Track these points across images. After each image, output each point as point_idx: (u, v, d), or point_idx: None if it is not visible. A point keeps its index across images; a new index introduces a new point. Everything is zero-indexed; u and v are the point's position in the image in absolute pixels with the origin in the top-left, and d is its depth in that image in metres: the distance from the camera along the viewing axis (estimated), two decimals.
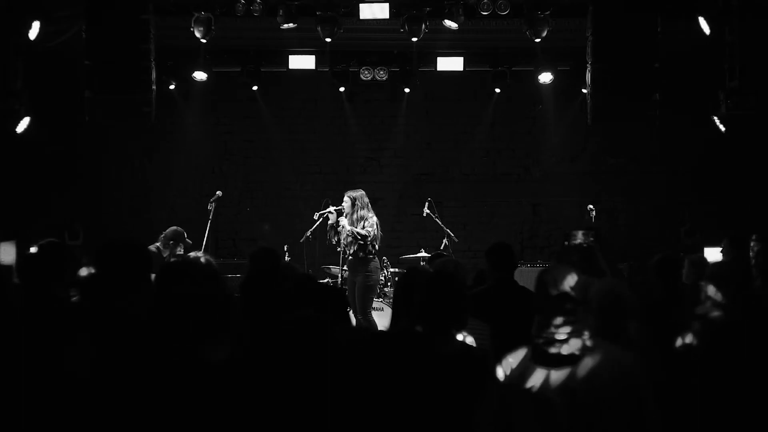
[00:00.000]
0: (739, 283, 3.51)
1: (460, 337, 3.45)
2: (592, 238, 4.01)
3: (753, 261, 6.16)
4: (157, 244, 8.04)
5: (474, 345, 3.61)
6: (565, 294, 2.67)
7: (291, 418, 2.86)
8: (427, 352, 3.18)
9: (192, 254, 4.27)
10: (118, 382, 2.98)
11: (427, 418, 3.06)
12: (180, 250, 7.89)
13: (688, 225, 10.28)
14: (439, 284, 3.40)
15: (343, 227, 8.06)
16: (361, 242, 8.00)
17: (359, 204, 8.14)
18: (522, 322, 3.39)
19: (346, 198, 8.19)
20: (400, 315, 3.96)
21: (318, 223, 8.97)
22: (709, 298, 3.44)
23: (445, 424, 3.07)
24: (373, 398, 3.02)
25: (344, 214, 8.13)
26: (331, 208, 8.19)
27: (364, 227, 8.01)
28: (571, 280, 2.70)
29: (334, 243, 8.25)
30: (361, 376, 3.06)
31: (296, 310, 3.34)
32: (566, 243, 4.07)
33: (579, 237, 4.04)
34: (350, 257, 8.16)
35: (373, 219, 8.11)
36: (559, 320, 2.65)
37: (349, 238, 8.06)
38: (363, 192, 8.26)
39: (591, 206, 9.01)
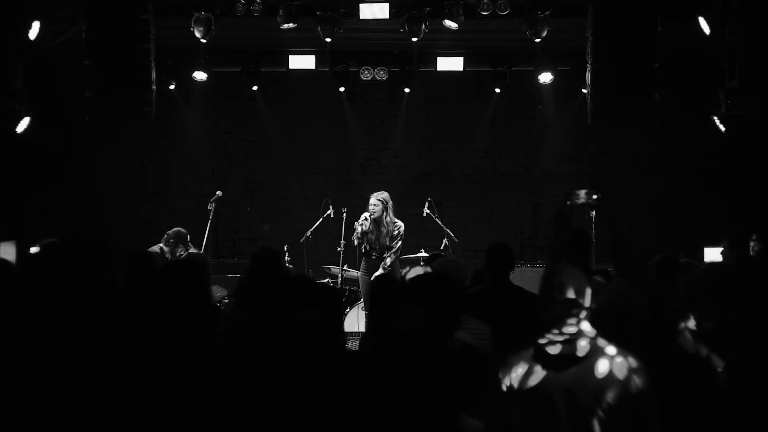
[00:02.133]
0: (739, 287, 3.49)
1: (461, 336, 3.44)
2: (595, 197, 3.88)
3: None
4: (161, 244, 8.05)
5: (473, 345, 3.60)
6: (570, 297, 2.66)
7: (292, 417, 2.85)
8: (428, 351, 3.17)
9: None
10: (92, 382, 2.98)
11: (428, 417, 3.05)
12: (181, 252, 7.90)
13: (688, 225, 10.28)
14: (437, 284, 3.39)
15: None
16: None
17: (390, 206, 8.33)
18: (520, 323, 3.39)
19: (376, 201, 8.26)
20: (375, 318, 3.98)
21: (318, 223, 8.99)
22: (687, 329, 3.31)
23: (445, 423, 3.06)
24: (373, 398, 3.01)
25: (369, 216, 8.20)
26: (366, 215, 8.24)
27: (396, 238, 8.27)
28: (577, 284, 2.70)
29: (355, 245, 8.34)
30: (362, 376, 3.06)
31: (296, 309, 3.34)
32: (568, 203, 3.96)
33: (582, 197, 3.91)
34: (375, 257, 8.30)
35: (401, 228, 8.34)
36: (562, 322, 2.65)
37: (384, 245, 8.24)
38: (388, 194, 8.42)
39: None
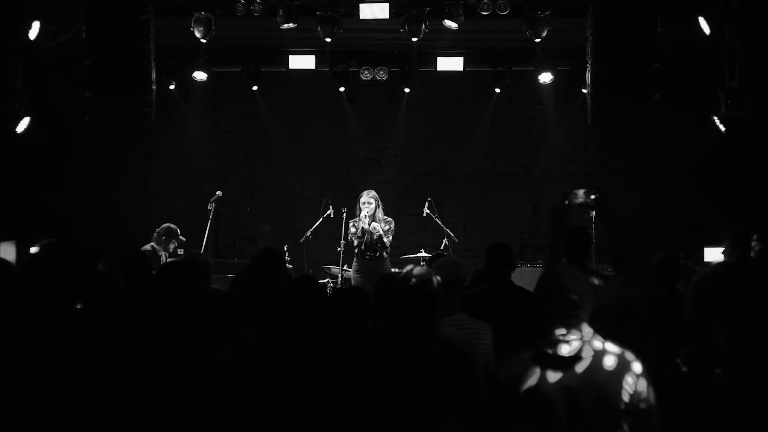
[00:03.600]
0: (741, 288, 3.48)
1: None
2: (593, 196, 3.81)
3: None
4: (152, 243, 8.05)
5: (455, 340, 3.59)
6: (569, 297, 2.66)
7: (291, 417, 2.85)
8: (408, 352, 3.15)
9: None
10: (125, 383, 2.98)
11: (415, 416, 3.04)
12: (173, 246, 7.92)
13: (688, 225, 10.27)
14: (408, 289, 3.38)
15: (374, 228, 8.17)
16: (379, 246, 8.25)
17: (380, 204, 8.35)
18: (520, 323, 3.39)
19: (369, 199, 8.26)
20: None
21: (318, 223, 8.99)
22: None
23: (433, 419, 3.05)
24: (366, 398, 3.01)
25: (368, 214, 8.20)
26: (365, 212, 8.23)
27: (387, 233, 8.24)
28: (576, 284, 2.69)
29: (355, 245, 8.31)
30: (354, 376, 3.05)
31: (297, 310, 3.33)
32: (566, 202, 3.90)
33: (580, 196, 3.84)
34: (368, 257, 8.25)
35: (392, 223, 8.36)
36: (561, 322, 2.65)
37: (376, 241, 8.20)
38: (375, 192, 8.45)
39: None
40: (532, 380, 2.62)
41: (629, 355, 2.65)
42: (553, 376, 2.61)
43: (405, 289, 3.32)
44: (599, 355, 2.63)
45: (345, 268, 8.71)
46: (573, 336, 2.64)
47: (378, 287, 4.36)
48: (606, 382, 2.58)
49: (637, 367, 2.64)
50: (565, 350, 2.62)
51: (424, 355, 3.13)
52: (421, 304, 3.25)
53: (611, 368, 2.61)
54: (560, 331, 2.65)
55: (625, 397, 2.58)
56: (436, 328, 3.30)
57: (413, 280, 3.33)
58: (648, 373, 2.67)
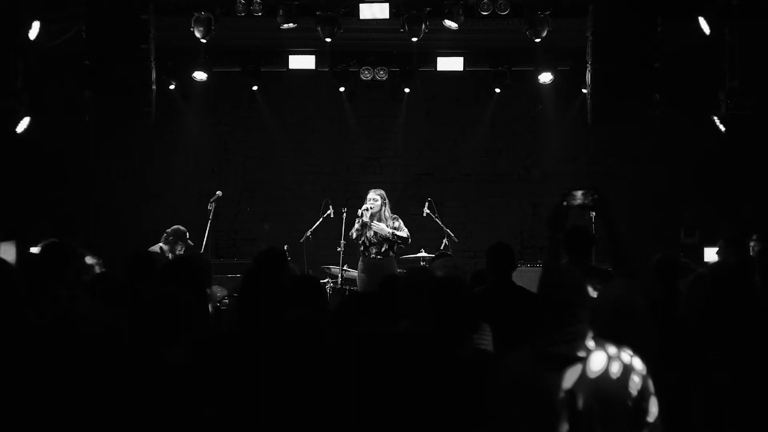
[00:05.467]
0: (739, 286, 3.49)
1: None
2: (592, 197, 3.78)
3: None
4: (161, 244, 8.05)
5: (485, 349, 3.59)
6: (569, 297, 2.66)
7: (287, 416, 2.85)
8: (443, 356, 3.14)
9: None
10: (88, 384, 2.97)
11: (438, 420, 3.03)
12: (180, 249, 7.92)
13: (688, 225, 10.27)
14: (453, 288, 3.37)
15: (380, 228, 8.12)
16: (400, 243, 8.21)
17: (387, 203, 8.30)
18: (522, 323, 3.39)
19: (375, 196, 8.25)
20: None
21: (318, 223, 8.99)
22: None
23: (455, 426, 3.04)
24: (384, 399, 3.00)
25: (370, 210, 8.16)
26: (367, 205, 8.21)
27: (399, 228, 8.20)
28: (576, 284, 2.69)
29: (354, 237, 8.26)
30: (374, 376, 3.04)
31: (293, 309, 3.33)
32: (564, 204, 3.87)
33: (578, 197, 3.81)
34: (375, 256, 8.21)
35: (400, 220, 8.31)
36: (561, 322, 2.65)
37: (380, 238, 8.15)
38: (384, 191, 8.42)
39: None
40: (534, 380, 2.62)
41: (633, 358, 2.64)
42: (554, 376, 2.61)
43: (442, 288, 3.31)
44: (599, 354, 2.63)
45: (345, 268, 8.71)
46: (574, 336, 2.64)
47: (381, 288, 4.35)
48: (608, 382, 2.58)
49: (612, 349, 2.63)
50: (565, 350, 2.62)
51: (454, 356, 3.13)
52: (456, 304, 3.25)
53: (613, 369, 2.60)
54: (561, 331, 2.65)
55: (630, 401, 2.58)
56: (468, 329, 3.31)
57: (444, 280, 3.32)
58: (649, 373, 2.67)
